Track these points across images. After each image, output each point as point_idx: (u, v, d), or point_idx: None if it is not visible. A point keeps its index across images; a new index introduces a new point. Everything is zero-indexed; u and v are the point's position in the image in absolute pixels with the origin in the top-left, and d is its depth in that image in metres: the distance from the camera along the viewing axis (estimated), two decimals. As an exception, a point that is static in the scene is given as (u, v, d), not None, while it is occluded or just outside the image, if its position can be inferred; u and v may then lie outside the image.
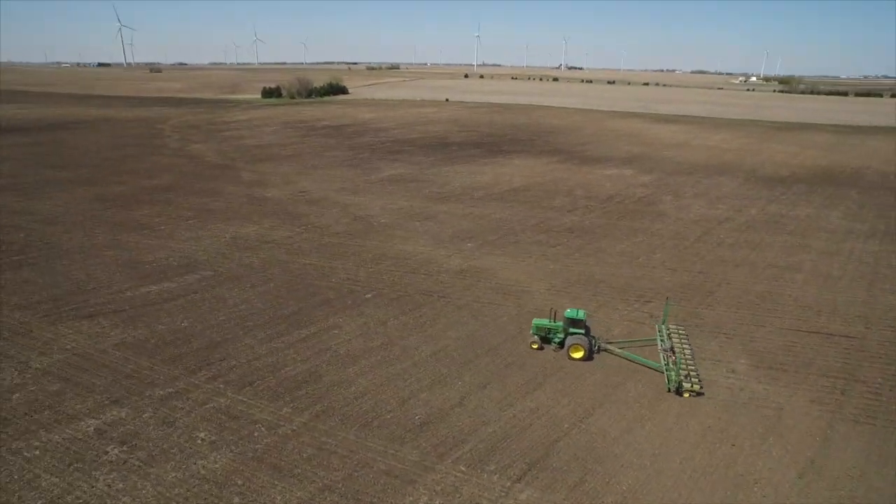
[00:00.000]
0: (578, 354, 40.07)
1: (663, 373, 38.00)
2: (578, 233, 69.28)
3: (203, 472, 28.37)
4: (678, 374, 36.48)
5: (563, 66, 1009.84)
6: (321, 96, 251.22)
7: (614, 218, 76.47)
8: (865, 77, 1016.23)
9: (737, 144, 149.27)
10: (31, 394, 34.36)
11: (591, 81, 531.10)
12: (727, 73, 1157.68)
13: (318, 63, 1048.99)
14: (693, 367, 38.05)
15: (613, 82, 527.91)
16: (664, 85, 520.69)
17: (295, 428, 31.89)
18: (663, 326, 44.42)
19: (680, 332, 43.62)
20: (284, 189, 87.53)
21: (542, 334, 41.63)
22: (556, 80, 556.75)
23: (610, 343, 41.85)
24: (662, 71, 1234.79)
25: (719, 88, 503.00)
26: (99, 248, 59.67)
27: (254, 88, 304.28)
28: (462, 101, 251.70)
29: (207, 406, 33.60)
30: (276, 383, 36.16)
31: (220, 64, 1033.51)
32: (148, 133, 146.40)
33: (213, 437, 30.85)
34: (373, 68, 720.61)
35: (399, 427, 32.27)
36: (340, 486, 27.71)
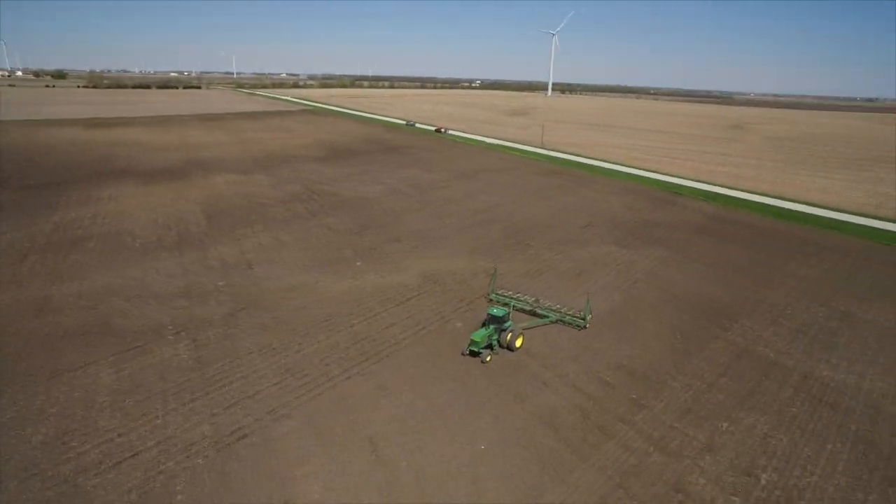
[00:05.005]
0: (521, 342, 40.80)
1: (561, 321, 44.74)
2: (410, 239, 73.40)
3: None
4: (579, 316, 44.32)
5: None
6: None
7: (415, 202, 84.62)
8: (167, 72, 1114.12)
9: (254, 136, 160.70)
10: None
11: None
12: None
13: None
14: (570, 309, 45.74)
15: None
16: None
17: None
18: (497, 294, 48.64)
19: (516, 293, 49.29)
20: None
21: (487, 343, 39.36)
22: None
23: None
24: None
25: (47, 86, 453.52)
26: None
27: None
28: None
29: None
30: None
31: None
32: None
33: None
34: None
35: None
36: None
